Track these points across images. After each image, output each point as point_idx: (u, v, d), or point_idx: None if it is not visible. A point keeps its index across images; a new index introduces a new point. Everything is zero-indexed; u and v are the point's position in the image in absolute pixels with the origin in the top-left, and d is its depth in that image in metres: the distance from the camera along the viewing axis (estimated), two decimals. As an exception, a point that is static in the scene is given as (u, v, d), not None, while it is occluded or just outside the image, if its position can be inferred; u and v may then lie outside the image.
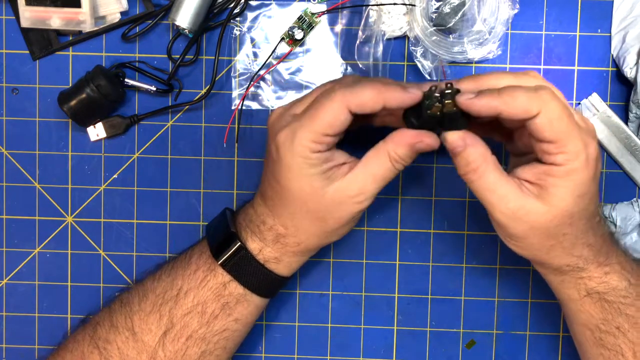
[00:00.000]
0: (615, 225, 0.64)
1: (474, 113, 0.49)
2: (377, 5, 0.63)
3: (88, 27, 0.63)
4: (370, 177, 0.52)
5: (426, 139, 0.51)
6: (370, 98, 0.50)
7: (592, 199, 0.51)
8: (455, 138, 0.50)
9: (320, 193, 0.52)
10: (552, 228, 0.51)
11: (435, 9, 0.63)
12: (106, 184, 0.67)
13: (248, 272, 0.56)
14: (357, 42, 0.64)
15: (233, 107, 0.66)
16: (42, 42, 0.65)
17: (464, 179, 0.51)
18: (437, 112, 0.50)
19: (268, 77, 0.66)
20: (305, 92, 0.65)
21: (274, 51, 0.65)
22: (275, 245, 0.56)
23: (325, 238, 0.56)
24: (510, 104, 0.48)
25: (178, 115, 0.66)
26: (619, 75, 0.64)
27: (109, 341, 0.57)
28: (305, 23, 0.65)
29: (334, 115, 0.50)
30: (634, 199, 0.65)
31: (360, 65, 0.64)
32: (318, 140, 0.51)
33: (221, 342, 0.57)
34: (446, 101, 0.49)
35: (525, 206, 0.50)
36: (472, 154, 0.50)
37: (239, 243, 0.56)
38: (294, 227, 0.55)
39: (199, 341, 0.57)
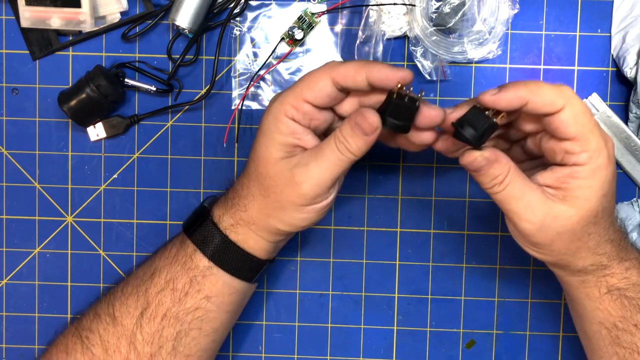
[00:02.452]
0: (616, 225, 0.64)
1: (501, 108, 0.49)
2: (377, 5, 0.62)
3: (88, 27, 0.63)
4: (312, 155, 0.52)
5: (365, 116, 0.50)
6: (353, 69, 0.50)
7: (613, 196, 0.52)
8: (478, 159, 0.49)
9: (272, 161, 0.53)
10: (578, 230, 0.51)
11: (435, 9, 0.63)
12: (106, 184, 0.67)
13: (210, 240, 0.56)
14: (357, 42, 0.64)
15: (233, 107, 0.66)
16: (42, 42, 0.65)
17: (488, 192, 0.51)
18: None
19: (268, 77, 0.66)
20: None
21: (274, 51, 0.65)
22: (232, 209, 0.56)
23: (268, 215, 0.55)
24: (537, 94, 0.48)
25: (178, 115, 0.66)
26: (619, 75, 0.64)
27: (91, 330, 0.58)
28: (305, 23, 0.65)
29: (316, 80, 0.51)
30: (634, 198, 0.65)
31: (360, 65, 0.64)
32: (296, 105, 0.51)
33: (195, 322, 0.57)
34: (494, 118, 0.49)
35: (552, 212, 0.50)
36: (496, 169, 0.50)
37: (206, 213, 0.57)
38: (247, 189, 0.55)
39: (173, 320, 0.57)
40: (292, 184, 0.52)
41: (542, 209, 0.50)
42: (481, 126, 0.49)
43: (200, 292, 0.57)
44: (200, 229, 0.57)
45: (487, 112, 0.49)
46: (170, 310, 0.57)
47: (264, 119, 0.53)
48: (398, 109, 0.50)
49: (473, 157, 0.49)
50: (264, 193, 0.54)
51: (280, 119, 0.52)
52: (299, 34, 0.65)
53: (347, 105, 0.54)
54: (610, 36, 0.65)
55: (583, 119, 0.48)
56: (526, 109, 0.49)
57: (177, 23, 0.62)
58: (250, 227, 0.56)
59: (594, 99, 0.64)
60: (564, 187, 0.50)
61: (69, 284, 0.67)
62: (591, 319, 0.56)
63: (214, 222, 0.57)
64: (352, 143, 0.51)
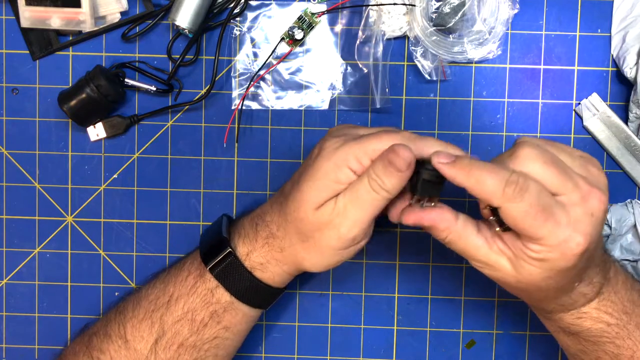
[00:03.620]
0: (610, 227, 0.64)
1: (445, 177, 0.48)
2: (377, 5, 0.63)
3: (88, 27, 0.63)
4: (347, 199, 0.51)
5: (397, 147, 0.48)
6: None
7: (566, 278, 0.49)
8: (418, 220, 0.50)
9: (315, 207, 0.52)
10: (519, 288, 0.50)
11: (435, 9, 0.63)
12: (106, 184, 0.67)
13: (234, 278, 0.56)
14: (357, 42, 0.64)
15: (233, 107, 0.66)
16: (42, 42, 0.65)
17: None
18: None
19: (268, 77, 0.66)
20: (304, 91, 0.65)
21: (274, 51, 0.65)
22: (263, 248, 0.56)
23: (304, 259, 0.55)
24: (475, 187, 0.46)
25: (178, 115, 0.66)
26: (619, 75, 0.64)
27: (102, 351, 0.57)
28: (305, 23, 0.65)
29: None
30: (628, 200, 0.65)
31: (360, 65, 0.64)
32: (361, 160, 0.50)
33: (212, 350, 0.57)
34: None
35: (494, 265, 0.49)
36: (439, 226, 0.49)
37: (229, 249, 0.56)
38: (283, 230, 0.54)
39: (190, 349, 0.57)
40: (330, 228, 0.51)
41: (485, 257, 0.49)
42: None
43: (220, 323, 0.57)
44: (223, 264, 0.56)
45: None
46: (187, 340, 0.57)
47: (319, 162, 0.51)
48: (429, 182, 0.50)
49: (412, 219, 0.50)
50: (303, 238, 0.53)
51: (342, 169, 0.50)
52: (299, 34, 0.65)
53: None
54: (610, 36, 0.65)
55: (522, 223, 0.46)
56: (468, 191, 0.47)
57: (177, 23, 0.62)
58: (282, 266, 0.56)
59: (594, 99, 0.64)
60: (513, 251, 0.48)
61: (69, 284, 0.67)
62: (558, 342, 0.57)
63: (238, 259, 0.56)
64: (386, 181, 0.49)
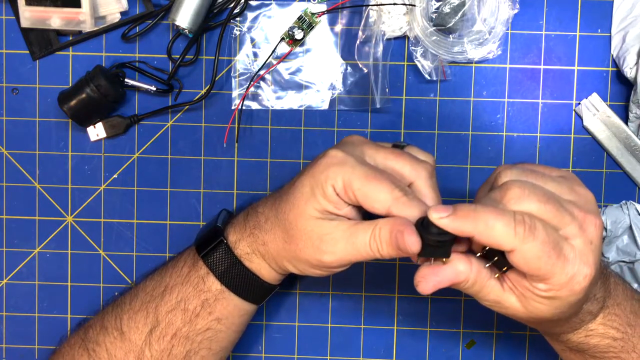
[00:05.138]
0: (606, 229, 0.63)
1: (449, 231, 0.46)
2: (377, 5, 0.63)
3: (88, 27, 0.63)
4: (345, 236, 0.50)
5: (407, 235, 0.47)
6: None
7: (576, 307, 0.49)
8: (436, 287, 0.48)
9: (306, 217, 0.51)
10: (530, 321, 0.50)
11: (435, 9, 0.63)
12: (106, 184, 0.67)
13: (224, 265, 0.56)
14: (357, 42, 0.64)
15: (233, 107, 0.66)
16: (42, 42, 0.65)
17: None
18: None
19: (268, 77, 0.66)
20: (304, 91, 0.65)
21: (274, 51, 0.65)
22: (249, 238, 0.56)
23: (284, 258, 0.54)
24: (484, 233, 0.45)
25: (178, 115, 0.66)
26: (619, 75, 0.64)
27: (98, 343, 0.58)
28: (305, 23, 0.65)
29: (377, 191, 0.49)
30: (623, 201, 0.65)
31: (360, 65, 0.64)
32: (347, 187, 0.49)
33: (205, 342, 0.57)
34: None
35: (504, 303, 0.49)
36: (459, 281, 0.48)
37: (221, 237, 0.56)
38: (269, 224, 0.55)
39: (183, 340, 0.57)
40: (316, 248, 0.51)
41: (495, 296, 0.49)
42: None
43: (212, 314, 0.57)
44: (215, 252, 0.56)
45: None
46: (180, 330, 0.57)
47: (313, 171, 0.51)
48: (436, 247, 0.47)
49: (429, 283, 0.48)
50: (287, 239, 0.53)
51: (328, 186, 0.50)
52: (299, 34, 0.65)
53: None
54: (610, 36, 0.65)
55: (536, 263, 0.45)
56: (474, 239, 0.46)
57: (177, 23, 0.62)
58: (266, 259, 0.56)
59: (594, 99, 0.64)
60: (519, 289, 0.48)
61: (69, 284, 0.67)
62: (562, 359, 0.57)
63: (229, 247, 0.56)
64: (384, 247, 0.49)
